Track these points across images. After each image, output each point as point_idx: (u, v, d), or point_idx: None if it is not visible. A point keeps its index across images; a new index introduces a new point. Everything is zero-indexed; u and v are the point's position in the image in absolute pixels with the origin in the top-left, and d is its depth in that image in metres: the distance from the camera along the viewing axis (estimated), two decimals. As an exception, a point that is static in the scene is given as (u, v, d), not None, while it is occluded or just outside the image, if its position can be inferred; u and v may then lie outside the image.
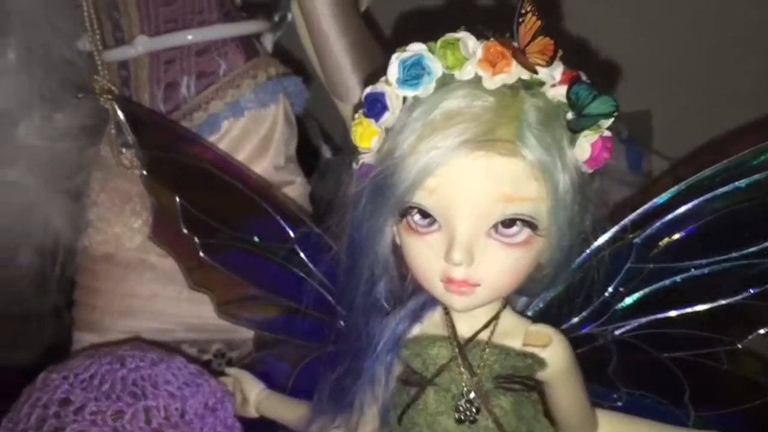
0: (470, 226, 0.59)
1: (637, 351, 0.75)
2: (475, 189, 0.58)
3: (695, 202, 0.70)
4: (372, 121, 0.62)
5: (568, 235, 0.61)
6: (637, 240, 0.72)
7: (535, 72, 0.59)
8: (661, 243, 0.72)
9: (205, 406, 0.80)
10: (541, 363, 0.65)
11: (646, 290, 0.73)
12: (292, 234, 0.81)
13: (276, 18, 1.00)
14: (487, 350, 0.65)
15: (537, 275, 0.65)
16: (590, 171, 0.62)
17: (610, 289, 0.73)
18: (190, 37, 0.92)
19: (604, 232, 0.70)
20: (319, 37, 0.90)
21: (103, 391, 0.75)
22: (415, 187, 0.59)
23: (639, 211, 0.72)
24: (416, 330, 0.69)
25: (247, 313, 0.86)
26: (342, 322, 0.74)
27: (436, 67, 0.60)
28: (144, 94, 0.95)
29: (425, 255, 0.62)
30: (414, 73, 0.60)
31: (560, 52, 0.60)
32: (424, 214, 0.61)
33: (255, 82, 0.94)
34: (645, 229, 0.72)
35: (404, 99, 0.61)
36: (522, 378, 0.66)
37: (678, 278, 0.72)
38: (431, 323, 0.68)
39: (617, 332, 0.74)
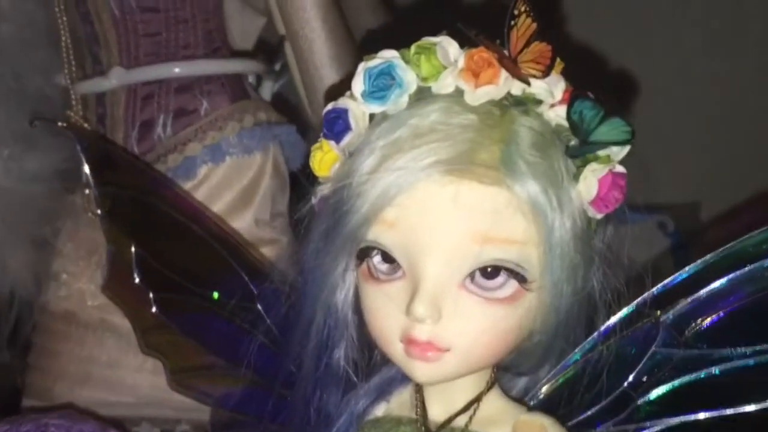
0: (439, 271, 0.46)
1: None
2: (444, 223, 0.46)
3: (742, 272, 0.57)
4: (332, 143, 0.51)
5: (566, 295, 0.48)
6: (666, 318, 0.58)
7: (528, 83, 0.47)
8: (696, 323, 0.58)
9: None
10: (531, 462, 0.51)
11: (676, 383, 0.58)
12: (255, 292, 0.69)
13: (277, 66, 0.92)
14: None
15: (526, 345, 0.51)
16: (599, 216, 0.50)
17: (631, 378, 0.59)
18: (175, 69, 0.84)
19: (620, 300, 0.56)
20: (312, 76, 0.80)
21: (13, 463, 0.64)
22: (370, 220, 0.47)
23: (669, 280, 0.58)
24: (380, 410, 0.55)
25: (203, 384, 0.73)
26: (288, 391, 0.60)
27: (408, 77, 0.49)
28: (118, 133, 0.86)
29: (384, 308, 0.49)
30: (381, 84, 0.49)
31: (560, 63, 0.49)
32: (387, 257, 0.49)
33: (240, 125, 0.84)
34: (676, 304, 0.58)
35: (372, 117, 0.51)
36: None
37: (716, 369, 0.58)
38: (399, 403, 0.55)
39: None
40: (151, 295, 0.73)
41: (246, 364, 0.68)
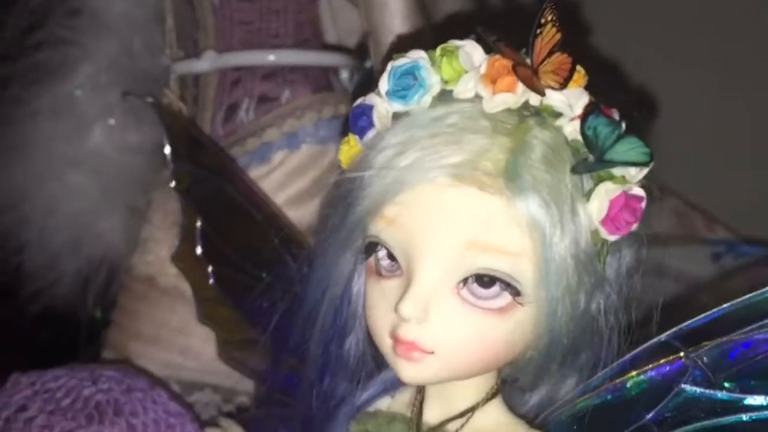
0: (431, 274, 0.46)
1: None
2: (439, 227, 0.46)
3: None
4: (357, 138, 0.52)
5: (561, 315, 0.47)
6: (698, 355, 0.55)
7: (542, 93, 0.46)
8: (730, 366, 0.55)
9: (166, 449, 0.70)
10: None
11: (700, 425, 0.55)
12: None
13: (368, 63, 0.93)
14: None
15: (519, 360, 0.50)
16: (612, 238, 0.48)
17: (654, 412, 0.56)
18: (269, 57, 0.87)
19: (630, 331, 0.53)
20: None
21: (61, 405, 0.68)
22: (371, 214, 0.48)
23: (707, 315, 0.55)
24: (384, 404, 0.56)
25: (249, 359, 0.77)
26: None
27: (432, 79, 0.49)
28: (207, 113, 0.90)
29: (378, 303, 0.50)
30: (404, 83, 0.50)
31: (584, 76, 0.47)
32: (390, 254, 0.49)
33: (318, 115, 0.86)
34: (712, 343, 0.55)
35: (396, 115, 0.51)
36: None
37: (745, 416, 0.54)
38: (401, 400, 0.56)
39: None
40: (210, 268, 0.77)
41: (283, 346, 0.71)
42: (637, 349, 0.54)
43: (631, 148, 0.45)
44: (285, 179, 0.88)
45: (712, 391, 0.55)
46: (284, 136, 0.86)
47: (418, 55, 0.50)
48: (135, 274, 0.94)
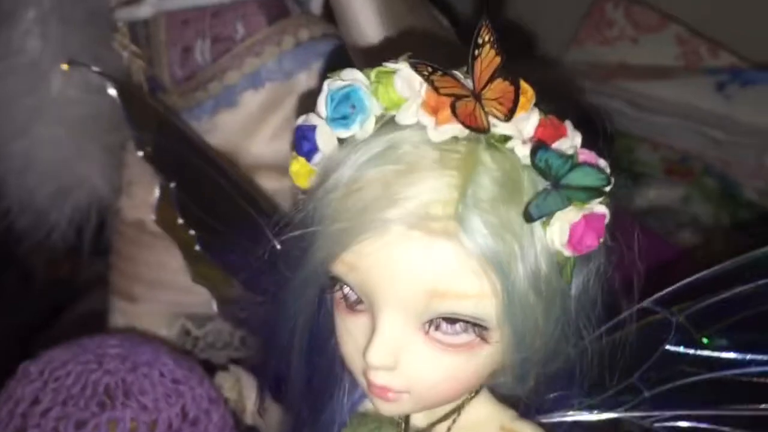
0: (395, 321, 0.45)
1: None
2: (396, 276, 0.44)
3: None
4: (304, 160, 0.49)
5: (528, 342, 0.46)
6: (681, 316, 0.55)
7: (485, 131, 0.42)
8: (713, 325, 0.54)
9: (183, 418, 0.73)
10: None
11: (687, 381, 0.56)
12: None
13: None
14: None
15: (495, 379, 0.50)
16: (574, 254, 0.46)
17: (640, 372, 0.56)
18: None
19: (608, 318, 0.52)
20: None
21: (72, 393, 0.71)
22: (330, 260, 0.46)
23: (690, 279, 0.54)
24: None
25: (249, 316, 0.78)
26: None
27: (372, 103, 0.45)
28: (163, 57, 0.84)
29: (347, 342, 0.49)
30: (343, 111, 0.46)
31: (531, 97, 0.43)
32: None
33: (279, 48, 0.81)
34: (693, 303, 0.54)
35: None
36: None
37: (729, 372, 0.55)
38: None
39: (649, 422, 0.58)
40: (192, 232, 0.76)
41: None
42: (621, 315, 0.54)
43: (586, 174, 0.42)
44: (256, 118, 0.84)
45: (694, 350, 0.55)
46: (245, 77, 0.81)
47: (353, 77, 0.46)
48: (124, 218, 0.94)
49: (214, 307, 0.78)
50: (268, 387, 0.64)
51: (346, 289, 0.48)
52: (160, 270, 0.92)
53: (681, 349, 0.55)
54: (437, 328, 0.45)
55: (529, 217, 0.42)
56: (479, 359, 0.46)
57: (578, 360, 0.51)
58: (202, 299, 0.91)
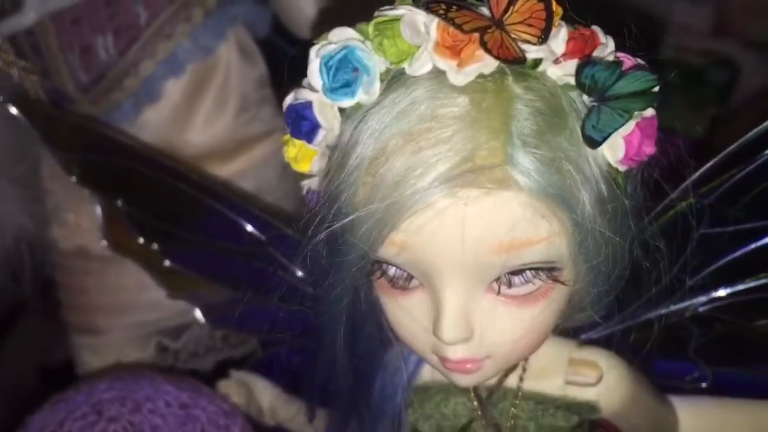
0: (460, 291, 0.41)
1: (722, 323, 0.57)
2: (457, 244, 0.39)
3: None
4: (304, 142, 0.44)
5: (604, 272, 0.43)
6: (708, 199, 0.53)
7: (522, 60, 0.38)
8: (742, 198, 0.53)
9: (200, 444, 0.68)
10: (592, 410, 0.49)
11: (728, 258, 0.55)
12: (249, 228, 0.64)
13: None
14: (518, 403, 0.50)
15: (569, 320, 0.47)
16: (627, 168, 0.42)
17: (680, 263, 0.55)
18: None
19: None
20: None
21: (80, 454, 0.65)
22: (373, 249, 0.41)
23: (713, 162, 0.52)
24: (426, 372, 0.53)
25: (235, 315, 0.72)
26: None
27: (374, 60, 0.40)
28: (60, 64, 0.75)
29: (408, 325, 0.44)
30: (345, 78, 0.40)
31: (559, 11, 0.39)
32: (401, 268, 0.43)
33: (190, 24, 0.72)
34: (719, 183, 0.52)
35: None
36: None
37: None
38: None
39: (693, 307, 0.57)
40: (155, 247, 0.69)
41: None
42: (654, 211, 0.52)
43: (634, 79, 0.38)
44: (185, 107, 0.76)
45: (732, 227, 0.54)
46: (163, 63, 0.73)
47: (346, 36, 0.40)
48: (63, 250, 0.85)
49: (198, 316, 0.72)
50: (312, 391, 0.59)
51: (392, 271, 0.43)
52: (117, 294, 0.84)
53: (717, 229, 0.54)
54: (507, 283, 0.42)
55: (593, 143, 0.38)
56: (555, 304, 0.43)
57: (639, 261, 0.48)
58: (171, 311, 0.85)
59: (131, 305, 0.84)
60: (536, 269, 0.41)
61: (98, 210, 0.70)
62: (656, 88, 0.39)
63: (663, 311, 0.57)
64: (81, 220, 0.82)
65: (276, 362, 0.74)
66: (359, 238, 0.40)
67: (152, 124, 0.76)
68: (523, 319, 0.43)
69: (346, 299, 0.47)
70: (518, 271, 0.41)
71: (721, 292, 0.56)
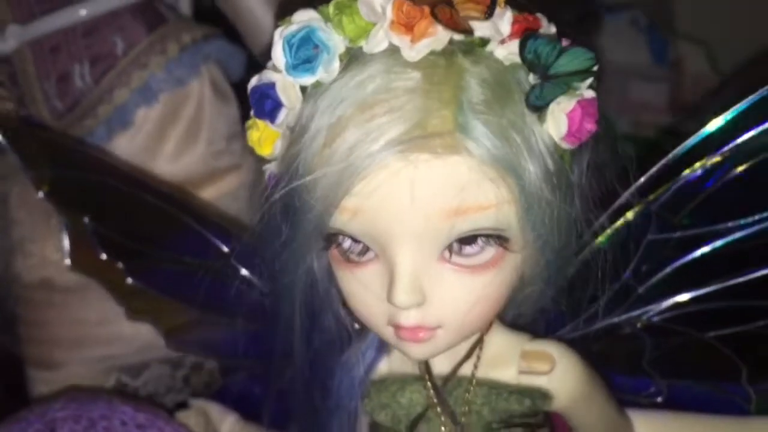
0: (413, 256, 0.43)
1: (675, 334, 0.59)
2: (407, 208, 0.41)
3: (725, 148, 0.53)
4: (267, 122, 0.46)
5: (551, 243, 0.45)
6: (655, 205, 0.55)
7: (470, 32, 0.41)
8: (688, 204, 0.55)
9: (160, 463, 0.67)
10: (544, 397, 0.50)
11: (677, 264, 0.57)
12: (225, 249, 0.65)
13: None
14: (472, 390, 0.50)
15: (518, 296, 0.49)
16: (572, 147, 0.45)
17: (630, 270, 0.57)
18: (80, 12, 0.73)
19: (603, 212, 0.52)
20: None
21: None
22: (330, 212, 0.43)
23: (654, 169, 0.55)
24: (383, 366, 0.54)
25: (199, 337, 0.72)
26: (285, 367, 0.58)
27: (334, 40, 0.43)
28: (36, 92, 0.77)
29: (363, 296, 0.46)
30: (306, 54, 0.43)
31: (503, -3, 0.42)
32: (356, 239, 0.45)
33: (165, 57, 0.75)
34: (665, 189, 0.55)
35: (304, 87, 0.45)
36: (522, 419, 0.51)
37: (718, 243, 0.56)
38: (400, 357, 0.53)
39: (646, 317, 0.59)
40: (120, 265, 0.70)
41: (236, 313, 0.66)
42: (603, 215, 0.54)
43: (574, 58, 0.41)
44: (156, 135, 0.78)
45: (679, 233, 0.56)
46: (135, 92, 0.75)
47: (308, 17, 0.43)
48: (26, 282, 0.84)
49: (161, 341, 0.72)
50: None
51: (347, 243, 0.45)
52: (78, 327, 0.83)
53: (664, 235, 0.56)
54: (458, 252, 0.43)
55: (533, 108, 0.41)
56: (506, 273, 0.45)
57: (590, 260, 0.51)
58: (132, 347, 0.85)
59: (91, 339, 0.83)
60: (486, 236, 0.43)
61: (63, 228, 0.70)
62: (594, 68, 0.42)
63: (615, 319, 0.59)
64: (46, 252, 0.82)
65: (235, 390, 0.74)
66: (315, 202, 0.42)
67: (123, 150, 0.78)
68: (474, 286, 0.44)
69: (301, 284, 0.49)
70: (468, 239, 0.43)
71: (674, 300, 0.58)
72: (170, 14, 0.80)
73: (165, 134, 0.78)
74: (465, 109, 0.40)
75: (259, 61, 0.78)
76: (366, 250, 0.45)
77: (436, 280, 0.44)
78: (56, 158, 0.68)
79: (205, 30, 0.80)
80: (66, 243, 0.71)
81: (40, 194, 0.68)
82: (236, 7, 0.75)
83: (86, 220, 0.69)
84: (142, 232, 0.68)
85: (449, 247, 0.43)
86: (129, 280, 0.70)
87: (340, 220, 0.43)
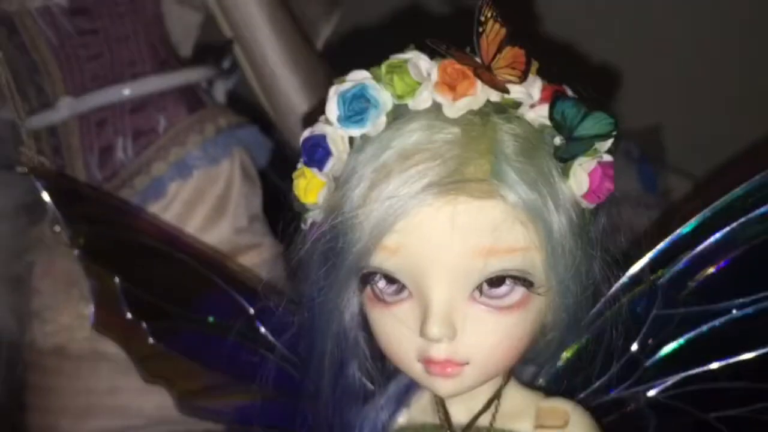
0: (447, 291, 0.46)
1: (678, 413, 0.61)
2: (445, 245, 0.46)
3: (728, 229, 0.57)
4: (315, 170, 0.50)
5: (572, 290, 0.49)
6: (662, 281, 0.59)
7: (506, 91, 0.46)
8: (691, 282, 0.59)
9: None
10: (558, 449, 0.52)
11: (681, 340, 0.60)
12: (251, 310, 0.68)
13: (226, 64, 0.88)
14: None
15: (540, 342, 0.52)
16: (592, 206, 0.50)
17: (637, 343, 0.60)
18: (124, 92, 0.80)
19: (617, 278, 0.56)
20: (267, 79, 0.78)
21: None
22: (371, 249, 0.47)
23: (661, 246, 0.59)
24: (402, 418, 0.56)
25: (212, 404, 0.73)
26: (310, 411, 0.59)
27: (383, 97, 0.48)
28: (78, 162, 0.83)
29: (396, 331, 0.49)
30: (357, 107, 0.48)
31: (536, 64, 0.48)
32: (390, 279, 0.48)
33: (202, 136, 0.82)
34: (671, 267, 0.59)
35: (351, 140, 0.49)
36: (538, 470, 0.53)
37: (717, 322, 0.59)
38: (420, 408, 0.56)
39: (651, 393, 0.61)
40: (144, 326, 0.72)
41: (255, 379, 0.68)
42: (612, 289, 0.58)
43: (597, 122, 0.47)
44: (185, 208, 0.83)
45: (683, 309, 0.59)
46: (172, 166, 0.81)
47: (362, 76, 0.49)
48: (39, 349, 0.86)
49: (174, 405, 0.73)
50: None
51: (381, 283, 0.48)
52: (86, 396, 0.85)
53: (669, 311, 0.60)
54: (487, 293, 0.47)
55: (560, 159, 0.46)
56: (531, 315, 0.48)
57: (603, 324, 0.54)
58: (140, 419, 0.85)
59: (99, 409, 0.84)
60: (513, 277, 0.47)
61: (91, 287, 0.73)
62: (614, 132, 0.47)
63: (622, 393, 0.62)
64: (63, 318, 0.84)
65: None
66: (358, 240, 0.46)
67: (154, 220, 0.82)
68: (501, 326, 0.48)
69: (333, 330, 0.52)
70: (497, 281, 0.47)
71: (679, 376, 0.61)
72: (208, 100, 0.87)
73: (194, 208, 0.83)
74: (500, 158, 0.45)
75: (283, 148, 0.85)
76: (400, 290, 0.48)
77: (466, 318, 0.47)
78: (93, 214, 0.71)
79: (239, 117, 0.86)
80: (91, 303, 0.73)
81: (76, 252, 0.71)
82: (272, 90, 0.82)
83: (117, 279, 0.71)
84: (171, 292, 0.70)
85: (479, 288, 0.47)
86: (150, 341, 0.71)
87: (380, 258, 0.47)
